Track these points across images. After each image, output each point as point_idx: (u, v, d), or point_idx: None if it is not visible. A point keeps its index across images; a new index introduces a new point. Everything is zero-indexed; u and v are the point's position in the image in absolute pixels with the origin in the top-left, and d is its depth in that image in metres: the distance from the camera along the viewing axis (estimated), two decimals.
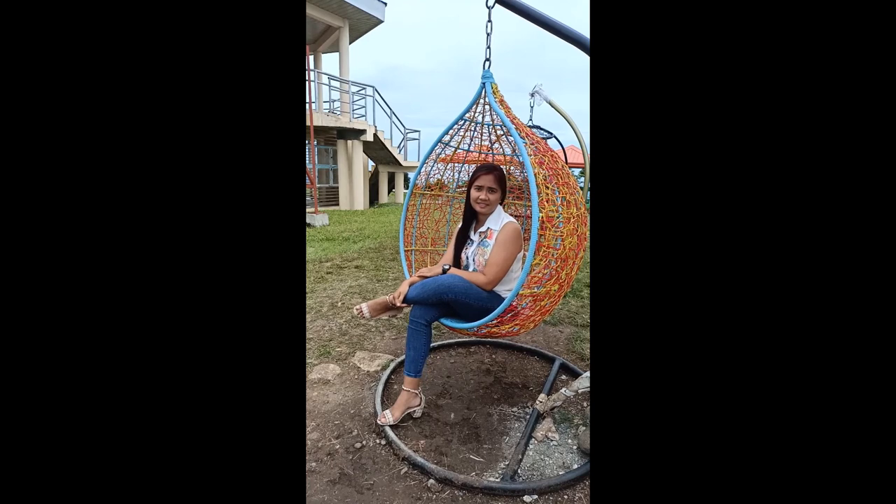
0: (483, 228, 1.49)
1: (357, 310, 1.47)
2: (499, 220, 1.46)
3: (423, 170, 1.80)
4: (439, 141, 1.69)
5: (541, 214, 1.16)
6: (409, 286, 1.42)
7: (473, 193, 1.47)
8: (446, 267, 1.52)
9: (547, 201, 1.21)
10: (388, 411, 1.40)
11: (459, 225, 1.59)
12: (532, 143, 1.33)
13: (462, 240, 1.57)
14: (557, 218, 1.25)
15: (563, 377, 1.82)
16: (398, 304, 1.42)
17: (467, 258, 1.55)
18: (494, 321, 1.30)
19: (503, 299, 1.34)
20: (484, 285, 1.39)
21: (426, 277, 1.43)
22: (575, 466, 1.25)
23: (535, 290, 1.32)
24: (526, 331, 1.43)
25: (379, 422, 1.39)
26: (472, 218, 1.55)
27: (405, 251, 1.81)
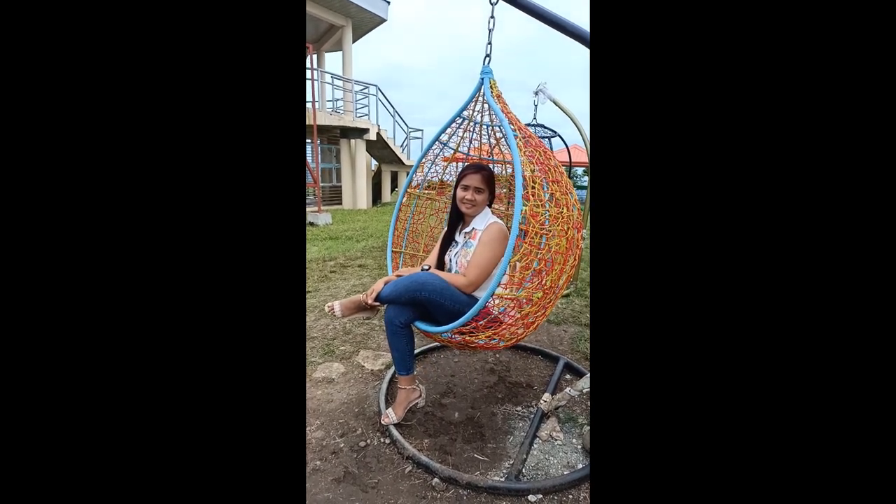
0: (468, 229, 1.43)
1: (329, 307, 1.32)
2: (484, 220, 1.40)
3: (419, 170, 1.73)
4: (437, 139, 1.63)
5: (524, 208, 1.09)
6: (385, 284, 1.32)
7: (459, 193, 1.40)
8: (426, 267, 1.46)
9: (532, 195, 1.15)
10: (390, 410, 1.40)
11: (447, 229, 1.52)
12: (524, 138, 1.27)
13: (447, 242, 1.50)
14: (543, 214, 1.18)
15: (568, 377, 1.82)
16: (370, 303, 1.31)
17: (450, 260, 1.47)
18: (469, 326, 1.19)
19: None
20: (464, 287, 1.29)
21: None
22: (580, 466, 1.25)
23: (517, 293, 1.21)
24: (508, 345, 1.31)
25: (382, 421, 1.38)
26: (459, 219, 1.48)
27: (393, 252, 1.71)
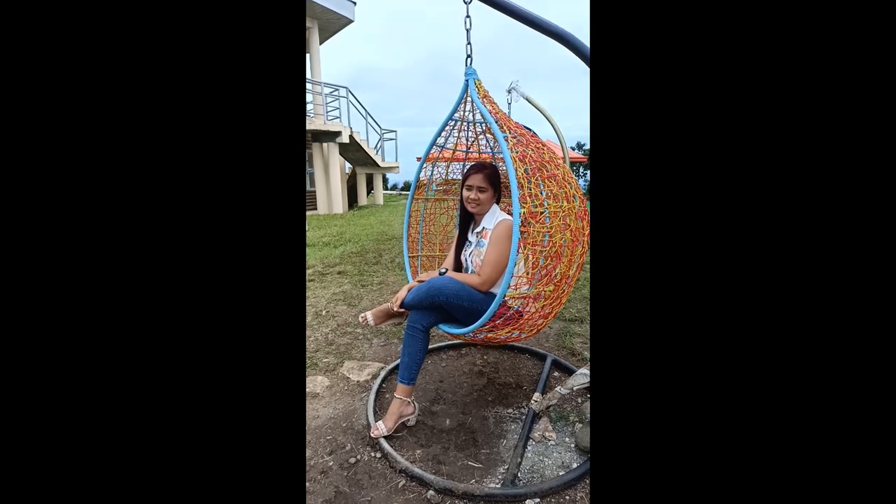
0: (479, 229, 1.47)
1: (362, 318, 1.46)
2: (493, 219, 1.43)
3: (421, 175, 1.79)
4: (433, 144, 1.67)
5: (522, 210, 1.12)
6: (409, 291, 1.40)
7: (465, 194, 1.45)
8: (443, 270, 1.51)
9: (529, 196, 1.16)
10: (380, 422, 1.36)
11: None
12: (515, 136, 1.28)
13: (462, 242, 1.55)
14: (543, 213, 1.21)
15: (556, 374, 1.82)
16: (396, 309, 1.41)
17: (466, 260, 1.53)
18: (487, 325, 1.24)
19: None
20: (479, 286, 1.36)
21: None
22: (574, 466, 1.24)
23: (526, 290, 1.26)
24: (529, 336, 1.39)
25: (372, 434, 1.35)
26: (470, 219, 1.52)
27: (409, 257, 1.79)
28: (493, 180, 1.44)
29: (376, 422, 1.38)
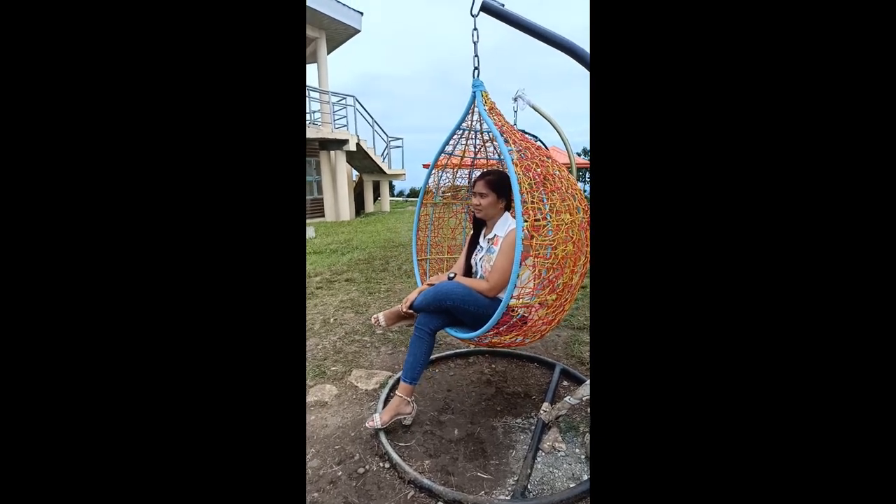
0: (491, 235, 1.51)
1: (374, 319, 1.53)
2: (505, 227, 1.47)
3: (430, 181, 1.85)
4: (441, 152, 1.73)
5: (525, 223, 1.14)
6: (419, 294, 1.45)
7: (472, 200, 1.52)
8: (451, 275, 1.55)
9: (533, 209, 1.18)
10: (376, 415, 1.42)
11: (472, 232, 1.65)
12: (521, 150, 1.30)
13: (473, 246, 1.60)
14: (546, 226, 1.22)
15: (565, 383, 1.80)
16: (405, 311, 1.46)
17: (476, 264, 1.57)
18: (492, 331, 1.27)
19: None
20: (486, 291, 1.39)
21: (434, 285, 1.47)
22: (585, 478, 1.23)
23: (528, 300, 1.28)
24: (533, 341, 1.42)
25: (367, 425, 1.39)
26: (482, 224, 1.58)
27: (418, 260, 1.86)
28: (495, 186, 1.47)
29: (375, 414, 1.44)
